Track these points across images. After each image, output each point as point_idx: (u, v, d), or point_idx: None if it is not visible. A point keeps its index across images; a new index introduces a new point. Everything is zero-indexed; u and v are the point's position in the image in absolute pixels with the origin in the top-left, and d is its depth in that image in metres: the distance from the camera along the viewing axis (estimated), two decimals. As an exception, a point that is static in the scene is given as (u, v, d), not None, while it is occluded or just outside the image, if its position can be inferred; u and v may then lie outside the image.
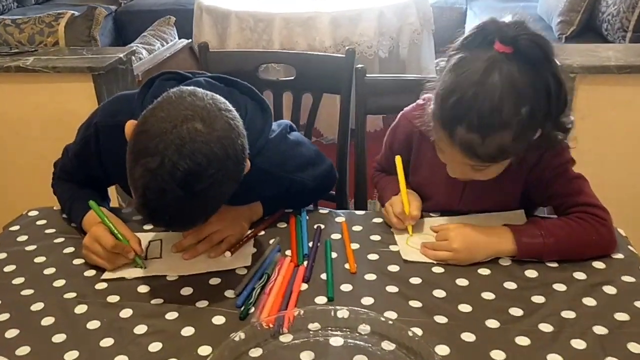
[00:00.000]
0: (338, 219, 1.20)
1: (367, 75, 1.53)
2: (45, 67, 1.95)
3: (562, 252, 1.03)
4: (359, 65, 1.54)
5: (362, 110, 1.54)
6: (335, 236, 1.14)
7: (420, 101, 1.17)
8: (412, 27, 3.00)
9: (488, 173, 1.04)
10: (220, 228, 1.10)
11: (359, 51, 2.78)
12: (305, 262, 1.06)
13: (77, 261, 1.09)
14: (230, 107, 0.95)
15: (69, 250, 1.13)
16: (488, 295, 0.96)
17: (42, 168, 2.00)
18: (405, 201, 1.12)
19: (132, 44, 2.77)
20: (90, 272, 1.06)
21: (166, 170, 0.86)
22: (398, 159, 1.16)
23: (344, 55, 1.56)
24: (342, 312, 0.89)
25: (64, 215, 1.24)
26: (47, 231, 1.20)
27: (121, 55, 2.06)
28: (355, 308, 0.89)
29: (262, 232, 1.16)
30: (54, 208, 1.27)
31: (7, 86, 2.04)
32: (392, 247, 1.09)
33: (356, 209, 1.60)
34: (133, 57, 2.25)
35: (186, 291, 1.00)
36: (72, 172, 1.24)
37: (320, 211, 1.24)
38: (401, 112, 1.24)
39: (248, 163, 0.97)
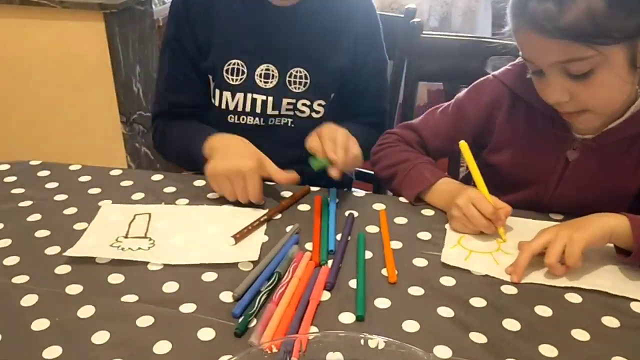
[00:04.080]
0: (376, 206, 0.93)
1: (425, 32, 1.27)
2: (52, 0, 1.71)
3: None
4: (415, 20, 1.27)
5: (414, 76, 1.30)
6: (372, 229, 0.88)
7: (509, 66, 0.97)
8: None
9: (594, 83, 0.78)
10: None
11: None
12: (330, 262, 0.80)
13: (42, 233, 0.86)
14: None
15: (34, 217, 0.89)
16: (580, 335, 0.69)
17: (41, 120, 1.77)
18: (486, 193, 0.86)
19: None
20: (54, 248, 0.82)
21: None
22: (463, 145, 0.89)
23: (402, 15, 1.29)
24: (375, 342, 0.63)
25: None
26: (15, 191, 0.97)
27: (139, -6, 1.82)
28: (393, 340, 0.63)
29: (278, 215, 0.91)
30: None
31: (6, 21, 1.80)
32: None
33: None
34: (155, -1, 2.00)
35: (170, 287, 0.75)
36: (170, 92, 1.12)
37: (354, 193, 0.98)
38: (487, 76, 1.01)
39: None
